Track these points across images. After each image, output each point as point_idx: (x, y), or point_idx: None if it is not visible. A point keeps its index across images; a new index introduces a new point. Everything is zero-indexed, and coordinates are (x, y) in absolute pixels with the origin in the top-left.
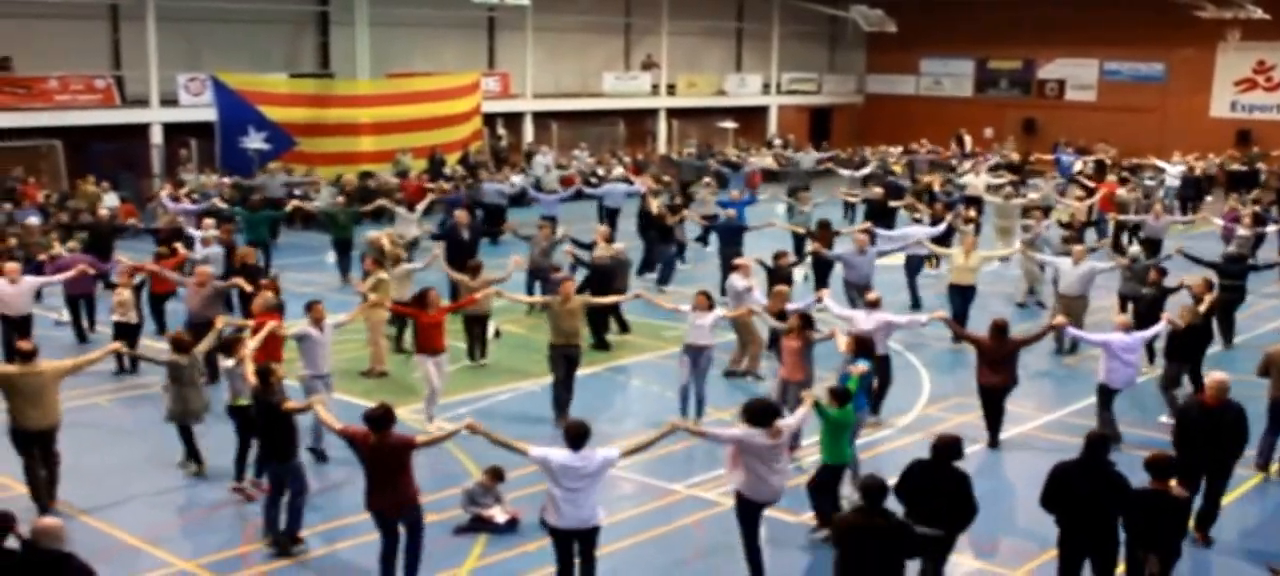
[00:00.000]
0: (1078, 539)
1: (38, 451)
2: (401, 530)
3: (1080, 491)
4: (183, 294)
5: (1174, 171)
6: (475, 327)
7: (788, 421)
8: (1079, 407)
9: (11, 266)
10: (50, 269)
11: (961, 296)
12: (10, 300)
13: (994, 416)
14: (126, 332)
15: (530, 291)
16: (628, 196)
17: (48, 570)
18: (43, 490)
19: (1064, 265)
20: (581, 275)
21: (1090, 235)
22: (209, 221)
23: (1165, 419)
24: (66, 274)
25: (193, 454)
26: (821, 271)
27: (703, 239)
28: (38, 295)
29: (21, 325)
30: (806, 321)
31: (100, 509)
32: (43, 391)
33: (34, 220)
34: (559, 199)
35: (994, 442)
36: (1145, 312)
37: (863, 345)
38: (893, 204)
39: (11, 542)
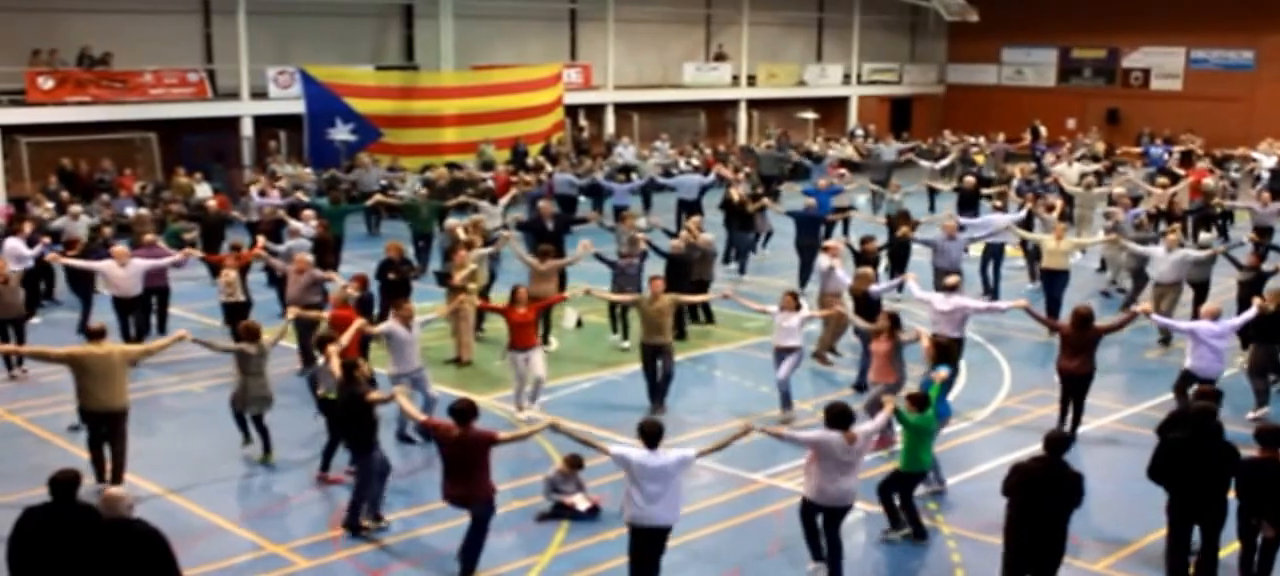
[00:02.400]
0: (1187, 508)
1: (106, 432)
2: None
3: (1190, 460)
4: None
5: (1268, 161)
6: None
7: (864, 426)
8: (1162, 401)
9: (121, 250)
10: (141, 255)
11: (1053, 281)
12: (121, 282)
13: (1073, 404)
14: (235, 311)
15: (640, 283)
16: (702, 189)
17: (115, 536)
18: (105, 469)
19: (1157, 252)
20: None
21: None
22: (309, 214)
23: (1253, 414)
24: (174, 257)
25: (249, 435)
26: (900, 259)
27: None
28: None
29: (131, 306)
30: (895, 322)
31: (189, 489)
32: (111, 372)
33: (144, 211)
34: (629, 189)
35: (1073, 433)
36: (1243, 299)
37: (944, 351)
38: (982, 192)
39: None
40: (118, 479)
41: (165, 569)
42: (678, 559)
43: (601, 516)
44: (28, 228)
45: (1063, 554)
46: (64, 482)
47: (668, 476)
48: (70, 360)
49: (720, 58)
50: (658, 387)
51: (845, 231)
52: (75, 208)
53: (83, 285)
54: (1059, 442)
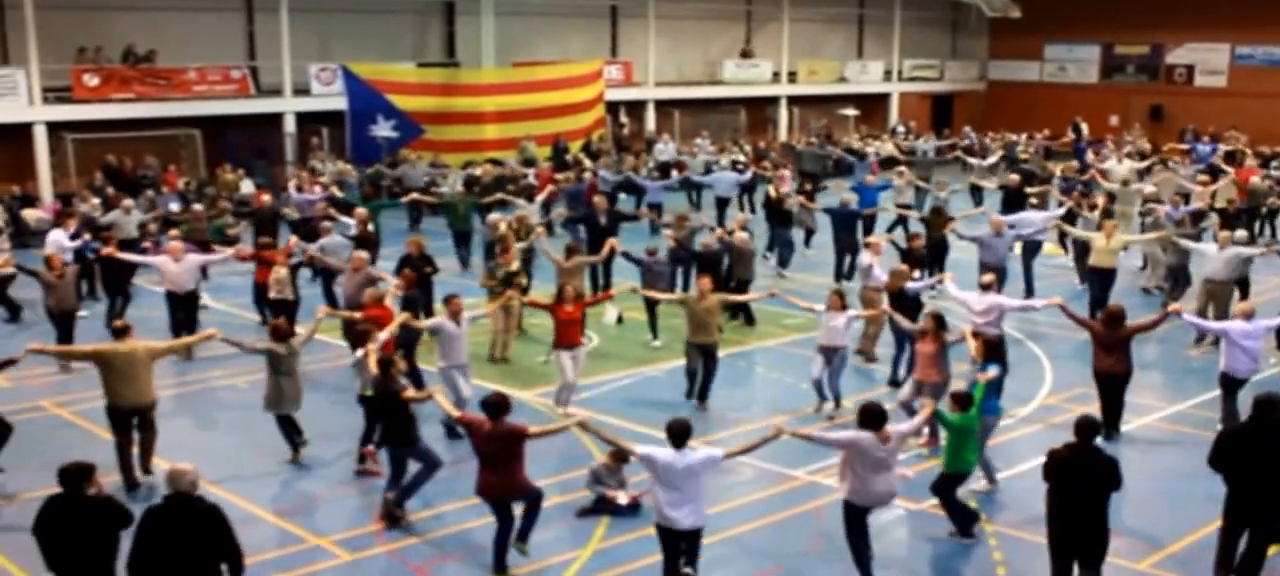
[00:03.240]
0: (1245, 499)
1: (135, 430)
2: (516, 510)
3: (1251, 449)
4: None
5: None
6: None
7: (900, 427)
8: (1203, 399)
9: (175, 245)
10: (153, 253)
11: (1101, 280)
12: (175, 277)
13: (1111, 404)
14: (283, 309)
15: (675, 277)
16: (738, 186)
17: (176, 512)
18: (132, 469)
19: (1209, 250)
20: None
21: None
22: (362, 212)
23: None
24: (226, 253)
25: (291, 441)
26: (938, 257)
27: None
28: (203, 273)
29: (186, 301)
30: (940, 323)
31: (231, 480)
32: (136, 369)
33: (199, 207)
34: (664, 186)
35: (1111, 432)
36: None
37: (992, 350)
38: (1027, 190)
39: (92, 492)
40: (146, 467)
41: (223, 542)
42: (720, 554)
43: (642, 512)
44: (72, 222)
45: (1106, 540)
46: (70, 474)
47: (693, 477)
48: (96, 358)
49: (746, 55)
50: (699, 386)
51: (904, 228)
52: (127, 202)
53: (119, 281)
54: (1089, 427)
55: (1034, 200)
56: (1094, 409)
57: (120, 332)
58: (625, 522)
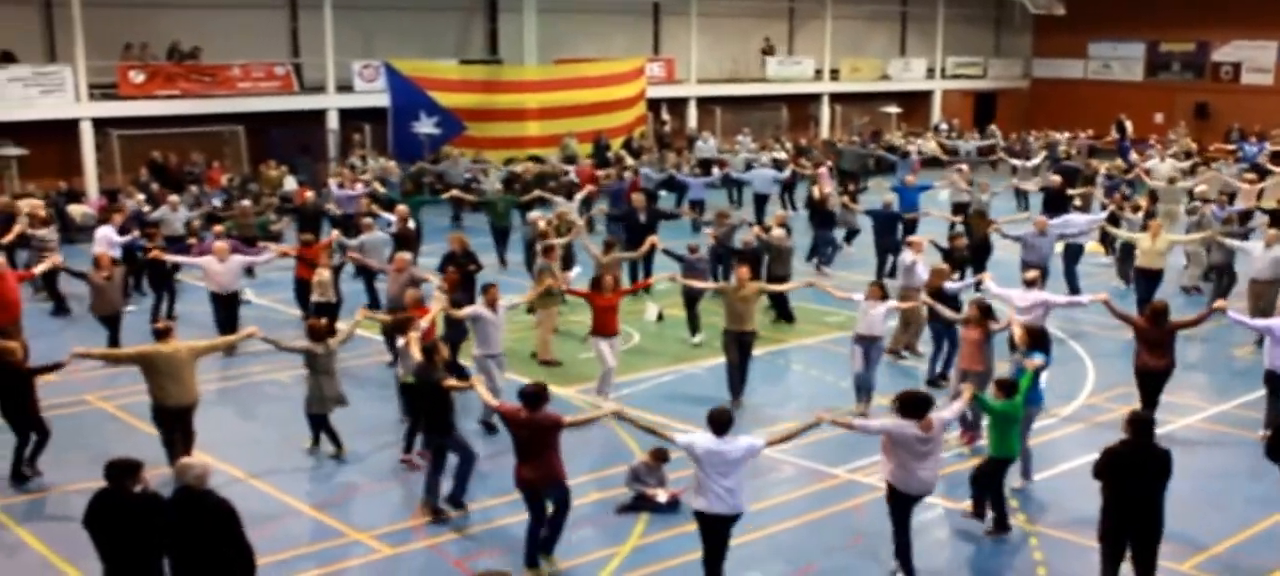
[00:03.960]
0: None
1: (178, 430)
2: (549, 505)
3: None
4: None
5: None
6: None
7: (943, 415)
8: (1247, 400)
9: (220, 246)
10: (197, 250)
11: (1148, 281)
12: (219, 277)
13: (1151, 401)
14: (326, 311)
15: (715, 274)
16: (777, 183)
17: (184, 506)
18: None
19: (1255, 249)
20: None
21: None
22: (402, 209)
23: None
24: (269, 253)
25: (332, 439)
26: (980, 258)
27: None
28: (249, 271)
29: (230, 301)
30: (985, 312)
31: (272, 474)
32: (180, 369)
33: (247, 204)
34: (705, 183)
35: None
36: None
37: (1038, 338)
38: (1069, 191)
39: (138, 489)
40: None
41: (232, 539)
42: (757, 551)
43: (681, 510)
44: (119, 217)
45: (1161, 532)
46: (117, 470)
47: (734, 465)
48: (140, 359)
49: (767, 51)
50: (739, 376)
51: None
52: (173, 198)
53: (164, 278)
54: (1145, 423)
55: (1078, 202)
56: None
57: (162, 333)
58: (664, 520)
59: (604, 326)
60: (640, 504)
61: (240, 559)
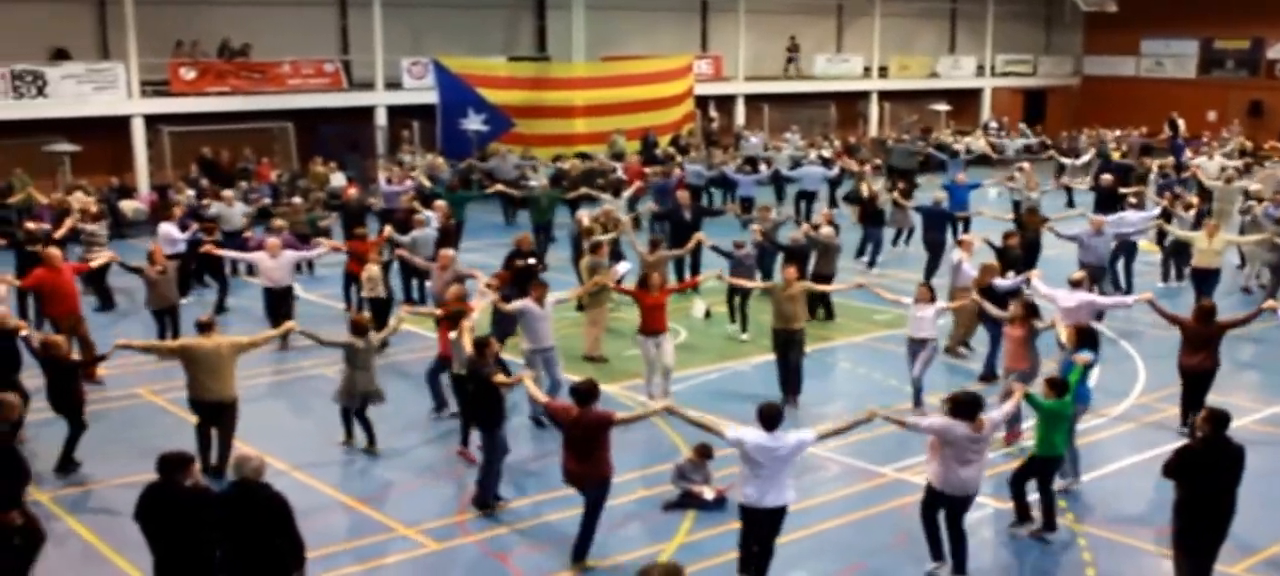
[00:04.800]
0: None
1: (214, 425)
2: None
3: None
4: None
5: None
6: None
7: (993, 415)
8: None
9: (273, 242)
10: (253, 244)
11: (1205, 280)
12: (272, 273)
13: (1194, 401)
14: (377, 307)
15: (762, 270)
16: (827, 181)
17: (240, 498)
18: (208, 455)
19: None
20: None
21: None
22: (441, 204)
23: None
24: (321, 247)
25: (367, 433)
26: (1030, 256)
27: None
28: (298, 268)
29: (283, 296)
30: (1031, 310)
31: (317, 467)
32: (219, 363)
33: (298, 201)
34: (755, 181)
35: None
36: None
37: (1085, 336)
38: (1121, 189)
39: (189, 483)
40: (223, 463)
41: (284, 532)
42: (804, 549)
43: (728, 507)
44: (178, 212)
45: (1227, 531)
46: (169, 463)
47: (783, 460)
48: (180, 352)
49: (793, 50)
50: (790, 377)
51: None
52: (228, 193)
53: (217, 271)
54: (1222, 418)
55: (1132, 199)
56: None
57: (204, 327)
58: (710, 517)
59: (651, 324)
60: (686, 501)
61: (292, 552)
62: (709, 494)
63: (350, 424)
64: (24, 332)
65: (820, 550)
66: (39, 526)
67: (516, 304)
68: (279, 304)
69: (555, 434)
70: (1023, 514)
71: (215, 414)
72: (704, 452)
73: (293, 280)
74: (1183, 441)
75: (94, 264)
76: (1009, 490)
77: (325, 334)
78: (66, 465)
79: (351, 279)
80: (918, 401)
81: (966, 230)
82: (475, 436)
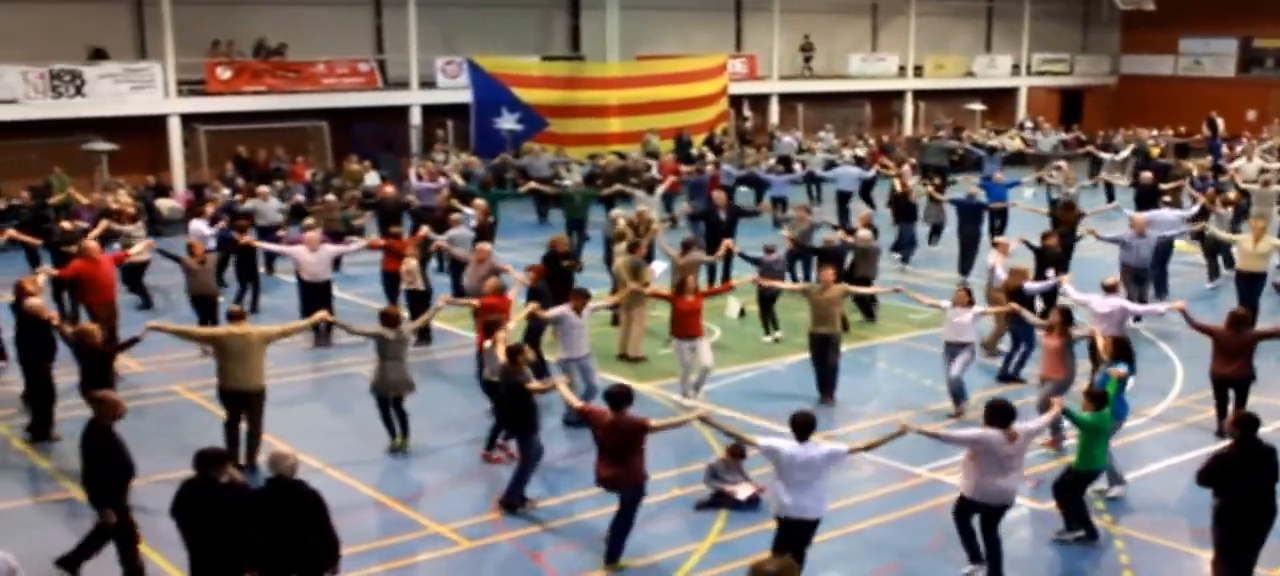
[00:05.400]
0: None
1: (243, 415)
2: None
3: None
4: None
5: None
6: None
7: (1028, 426)
8: None
9: (312, 236)
10: (287, 241)
11: (1249, 284)
12: (311, 267)
13: (1226, 409)
14: (416, 300)
15: (792, 273)
16: (863, 181)
17: (276, 495)
18: (237, 449)
19: None
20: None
21: None
22: (480, 203)
23: None
24: (358, 244)
25: (391, 427)
26: (1064, 250)
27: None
28: (336, 264)
29: (321, 290)
30: (1067, 319)
31: (351, 465)
32: (248, 353)
33: (331, 198)
34: (789, 181)
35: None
36: None
37: (1122, 347)
38: (1161, 187)
39: (225, 479)
40: (252, 457)
41: (320, 529)
42: (839, 549)
43: (761, 506)
44: (210, 209)
45: (1268, 532)
46: (205, 459)
47: (816, 470)
48: (211, 340)
49: (808, 48)
50: (826, 378)
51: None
52: (263, 189)
53: (250, 269)
54: (1249, 421)
55: (1167, 198)
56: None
57: (235, 317)
58: (744, 517)
59: (686, 329)
60: (720, 500)
61: (326, 549)
62: (742, 494)
63: (391, 422)
64: (54, 322)
65: (855, 550)
66: (134, 524)
67: (554, 311)
68: (316, 298)
69: (588, 433)
70: (1071, 520)
71: (243, 403)
72: (737, 452)
73: (330, 275)
74: (1219, 445)
75: (133, 251)
76: (1053, 499)
77: (357, 325)
78: None
79: (390, 277)
80: (958, 401)
81: (1003, 228)
82: (504, 438)
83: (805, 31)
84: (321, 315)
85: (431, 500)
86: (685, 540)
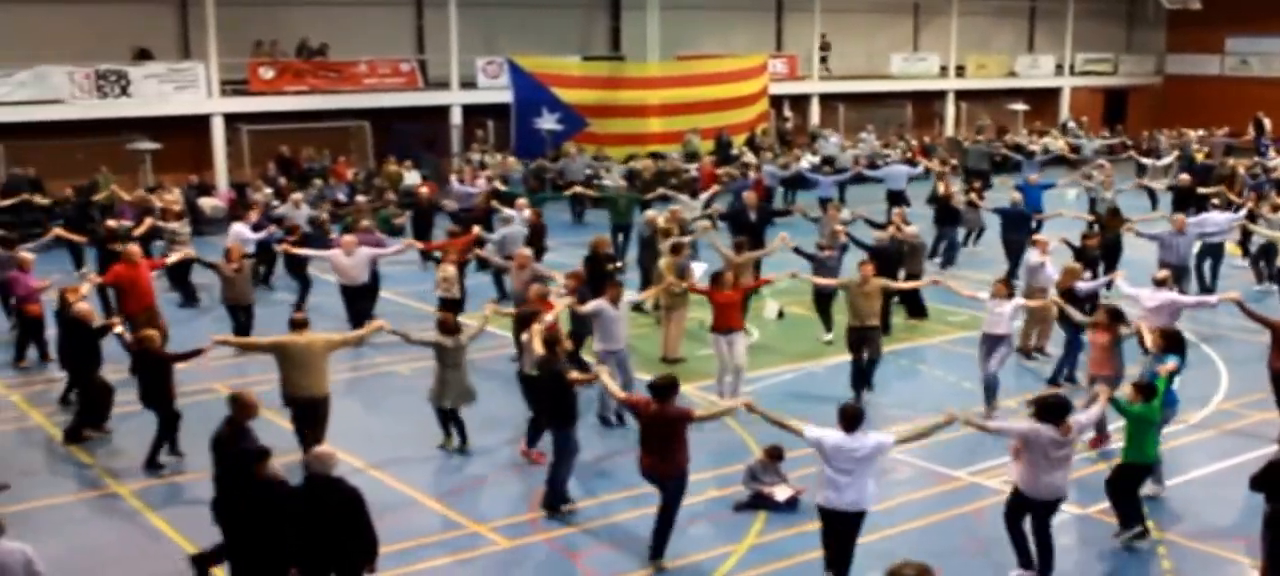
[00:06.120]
0: None
1: (310, 421)
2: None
3: None
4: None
5: None
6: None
7: (1079, 418)
8: None
9: (349, 239)
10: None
11: None
12: (347, 270)
13: None
14: (450, 307)
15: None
16: (911, 179)
17: (316, 493)
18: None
19: None
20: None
21: None
22: (522, 202)
23: None
24: (396, 246)
25: (449, 432)
26: (1112, 256)
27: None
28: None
29: (359, 293)
30: (1115, 315)
31: (391, 465)
32: (313, 360)
33: (362, 199)
34: (836, 181)
35: None
36: None
37: (1171, 341)
38: (1201, 189)
39: (266, 476)
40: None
41: (358, 527)
42: (877, 551)
43: (800, 508)
44: (254, 214)
45: None
46: (245, 456)
47: (862, 461)
48: (275, 349)
49: (825, 48)
50: (862, 373)
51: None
52: (296, 195)
53: (301, 271)
54: None
55: (1215, 201)
56: (1273, 415)
57: (298, 325)
58: (782, 518)
59: (725, 321)
60: (758, 502)
61: (364, 547)
62: (782, 494)
63: (448, 424)
64: (117, 329)
65: (892, 553)
66: None
67: (592, 305)
68: (356, 300)
69: (624, 433)
70: (1125, 520)
71: (309, 410)
72: (775, 454)
73: (368, 277)
74: (1275, 448)
75: (169, 260)
76: (1108, 497)
77: (415, 333)
78: (153, 462)
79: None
80: (990, 401)
81: (1040, 226)
82: (544, 438)
83: (847, 31)
84: (382, 324)
85: (470, 499)
86: (723, 542)
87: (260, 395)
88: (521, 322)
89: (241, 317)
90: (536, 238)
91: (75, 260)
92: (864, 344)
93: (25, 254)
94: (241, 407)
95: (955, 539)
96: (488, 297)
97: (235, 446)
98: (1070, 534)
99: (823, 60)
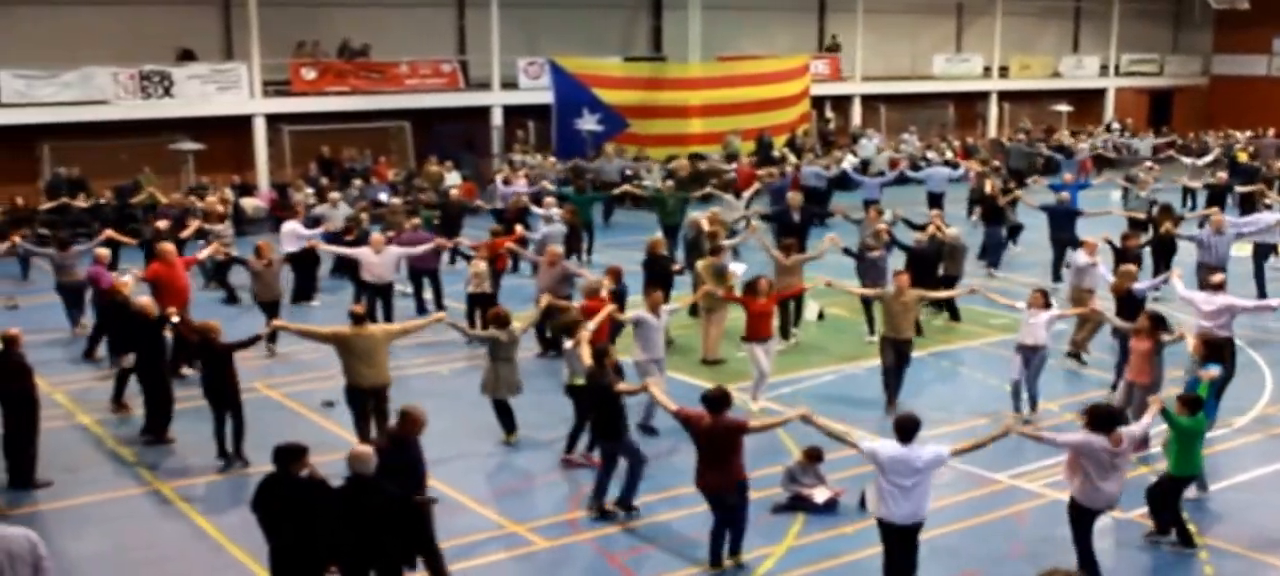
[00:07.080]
0: None
1: (372, 408)
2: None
3: None
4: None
5: None
6: (789, 306)
7: (1130, 429)
8: None
9: (377, 238)
10: (399, 241)
11: None
12: (375, 268)
13: None
14: (479, 303)
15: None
16: (952, 181)
17: (358, 492)
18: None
19: None
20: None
21: None
22: (551, 200)
23: None
24: (424, 247)
25: (505, 423)
26: (1165, 256)
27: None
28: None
29: (385, 291)
30: (1157, 322)
31: (431, 465)
32: (373, 351)
33: (396, 200)
34: (881, 182)
35: None
36: None
37: (1213, 348)
38: (1241, 189)
39: (304, 473)
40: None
41: (396, 526)
42: (918, 555)
43: (839, 510)
44: (302, 211)
45: None
46: (283, 454)
47: (918, 473)
48: (336, 340)
49: (834, 48)
50: (893, 383)
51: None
52: (334, 194)
53: (346, 270)
54: None
55: (1268, 201)
56: None
57: (358, 319)
58: (820, 520)
59: (758, 331)
60: (796, 504)
61: (403, 546)
62: (821, 496)
63: (505, 417)
64: (175, 319)
65: (933, 557)
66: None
67: (633, 314)
68: (378, 298)
69: (666, 437)
70: (1163, 526)
71: (372, 399)
72: (814, 455)
73: (394, 276)
74: None
75: (202, 254)
76: (1148, 505)
77: (471, 329)
78: (237, 456)
79: (498, 274)
80: (1032, 407)
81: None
82: (583, 445)
83: (890, 32)
84: (440, 316)
85: (509, 500)
86: (762, 543)
87: (297, 395)
88: (563, 329)
89: (272, 314)
90: (575, 238)
91: (113, 260)
92: (897, 355)
93: (101, 249)
94: (411, 422)
95: (998, 543)
96: (524, 295)
97: (400, 459)
98: (1110, 537)
99: (834, 49)
